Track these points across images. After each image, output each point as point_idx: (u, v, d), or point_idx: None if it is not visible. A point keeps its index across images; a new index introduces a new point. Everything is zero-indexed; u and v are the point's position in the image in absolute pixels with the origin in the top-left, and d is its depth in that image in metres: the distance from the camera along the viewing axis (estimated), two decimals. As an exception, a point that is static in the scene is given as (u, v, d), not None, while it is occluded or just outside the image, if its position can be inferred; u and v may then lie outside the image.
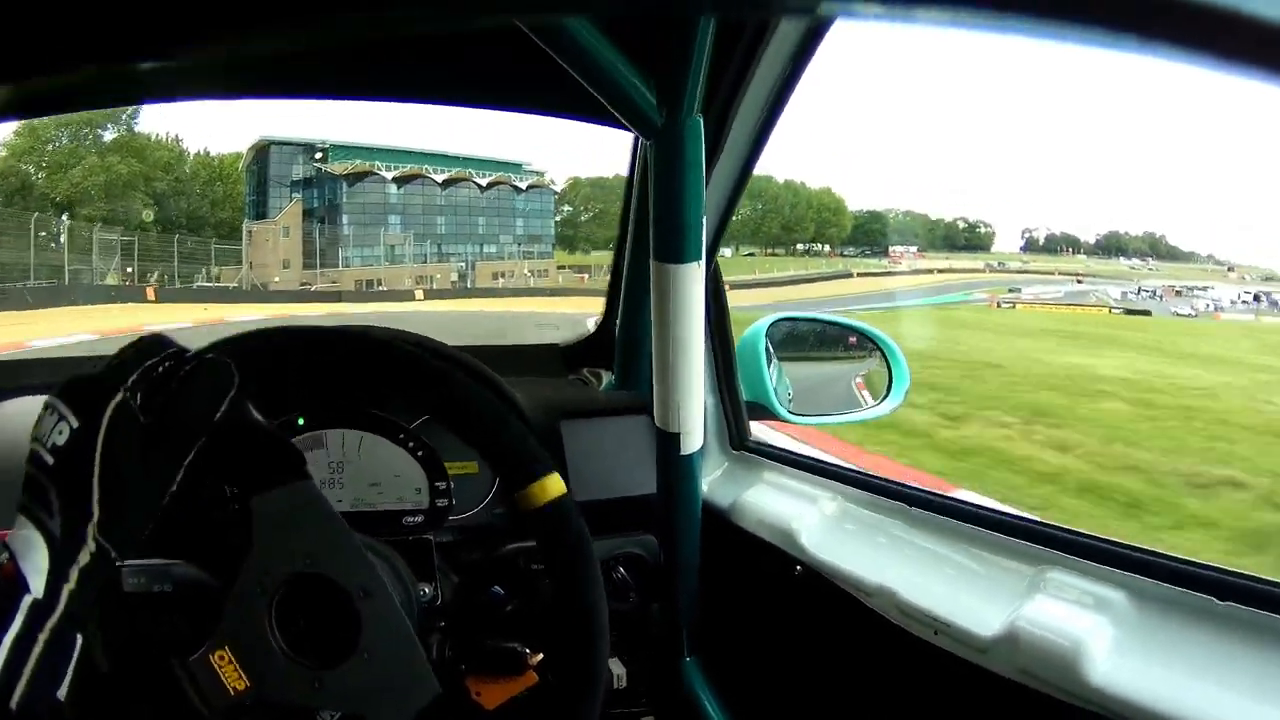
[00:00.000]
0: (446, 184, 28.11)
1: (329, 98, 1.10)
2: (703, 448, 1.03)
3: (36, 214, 20.22)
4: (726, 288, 1.17)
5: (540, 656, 0.81)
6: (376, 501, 0.96)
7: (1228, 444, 7.81)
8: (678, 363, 0.95)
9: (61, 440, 0.56)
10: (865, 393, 1.30)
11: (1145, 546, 0.69)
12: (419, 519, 0.95)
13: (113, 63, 0.32)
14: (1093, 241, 60.19)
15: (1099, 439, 7.86)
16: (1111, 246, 58.95)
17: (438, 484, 0.96)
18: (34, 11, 0.29)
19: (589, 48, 0.78)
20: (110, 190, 23.01)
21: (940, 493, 0.92)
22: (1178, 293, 38.80)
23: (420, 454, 0.95)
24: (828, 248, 46.45)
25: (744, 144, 1.02)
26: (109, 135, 23.91)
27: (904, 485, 0.95)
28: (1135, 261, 55.16)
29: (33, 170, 23.04)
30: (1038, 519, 0.80)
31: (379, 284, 25.91)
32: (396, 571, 0.80)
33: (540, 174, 30.49)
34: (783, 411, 1.17)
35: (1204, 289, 39.31)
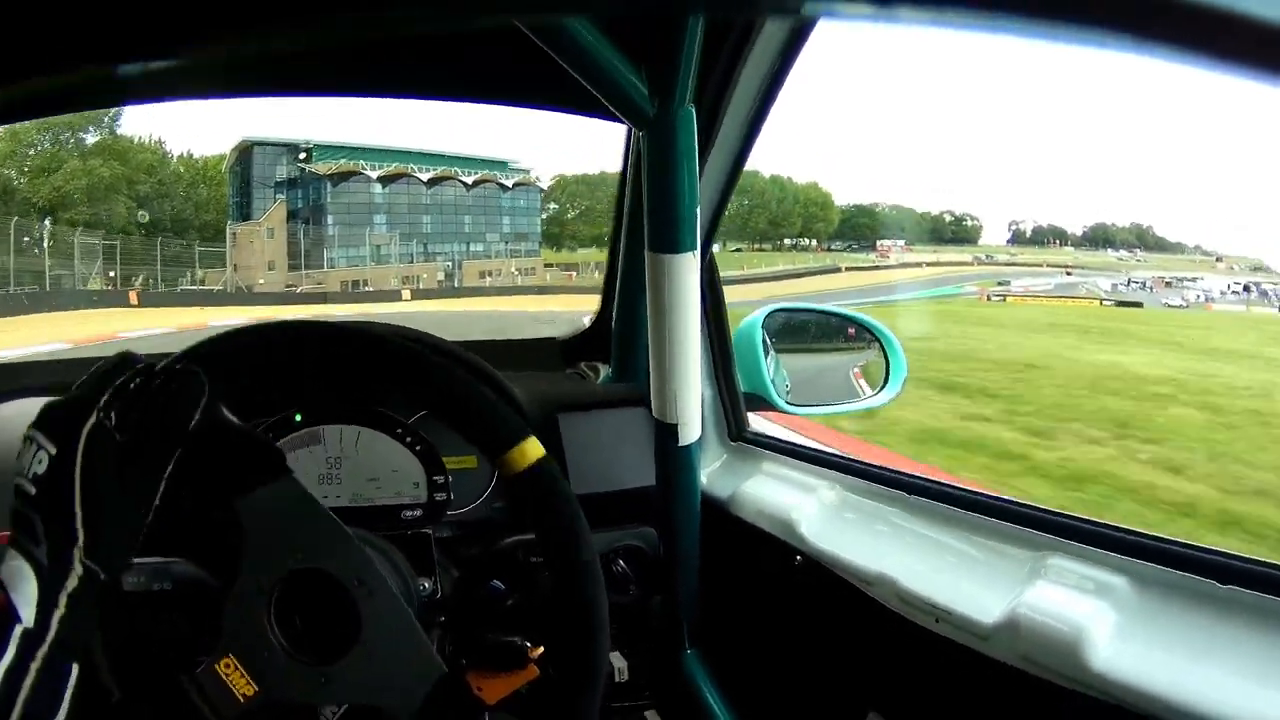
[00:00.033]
0: (432, 183, 28.03)
1: (325, 94, 1.10)
2: (701, 439, 1.03)
3: (17, 218, 19.98)
4: (716, 281, 1.16)
5: (541, 650, 0.81)
6: (375, 496, 0.96)
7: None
8: (674, 353, 0.95)
9: (41, 469, 0.57)
10: (863, 382, 1.30)
11: (1145, 531, 0.69)
12: (417, 513, 0.95)
13: (113, 63, 0.31)
14: (1079, 233, 60.75)
15: (1202, 455, 7.33)
16: (1099, 238, 59.48)
17: (436, 478, 0.95)
18: (35, 11, 0.29)
19: (581, 40, 0.78)
20: (92, 194, 22.82)
21: (938, 480, 0.91)
22: (1168, 284, 39.15)
23: (418, 449, 0.95)
24: (814, 243, 46.63)
25: (736, 135, 1.02)
26: (91, 138, 23.75)
27: (902, 473, 0.95)
28: (1123, 253, 55.73)
29: (14, 174, 22.80)
30: (1037, 504, 0.80)
31: (365, 284, 25.80)
32: (395, 566, 0.80)
33: (526, 171, 30.47)
34: (780, 402, 1.17)
35: (1193, 280, 39.70)
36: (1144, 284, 39.75)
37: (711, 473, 1.16)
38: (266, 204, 25.47)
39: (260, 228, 25.04)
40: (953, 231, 56.72)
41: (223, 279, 24.38)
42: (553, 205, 34.96)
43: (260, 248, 24.93)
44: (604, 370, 1.30)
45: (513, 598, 0.89)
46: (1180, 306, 31.94)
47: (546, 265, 31.43)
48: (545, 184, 32.67)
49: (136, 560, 0.71)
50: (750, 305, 1.24)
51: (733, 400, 1.18)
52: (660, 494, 1.05)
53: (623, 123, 1.00)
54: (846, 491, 0.98)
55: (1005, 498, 0.84)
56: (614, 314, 1.25)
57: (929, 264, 47.82)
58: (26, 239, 19.71)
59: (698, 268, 0.93)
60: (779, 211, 43.74)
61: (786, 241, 45.23)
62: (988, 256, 53.40)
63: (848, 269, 41.36)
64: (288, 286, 24.37)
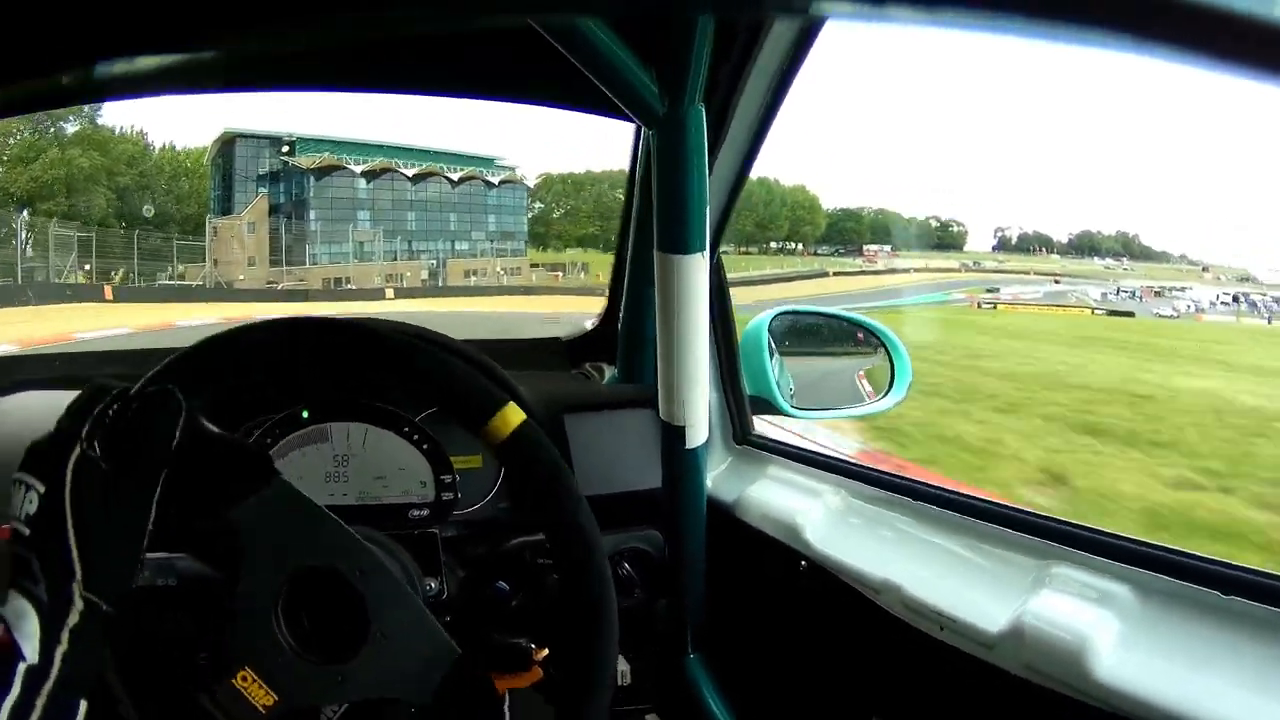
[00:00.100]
0: (417, 179, 27.81)
1: (330, 90, 1.10)
2: (706, 442, 1.02)
3: (-7, 209, 19.64)
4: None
5: (545, 652, 0.81)
6: (382, 495, 0.95)
7: None
8: (683, 355, 0.94)
9: (33, 509, 0.58)
10: (865, 383, 1.30)
11: (1149, 541, 0.70)
12: (425, 513, 0.95)
13: (113, 59, 0.31)
14: (1065, 240, 61.47)
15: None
16: (1084, 246, 60.17)
17: (443, 477, 0.95)
18: (35, 10, 0.28)
19: (591, 38, 0.78)
20: (71, 184, 22.41)
21: (944, 487, 0.92)
22: (1157, 293, 39.57)
23: (426, 447, 0.95)
24: (800, 246, 46.81)
25: (745, 135, 1.02)
26: (71, 128, 23.32)
27: (908, 479, 0.95)
28: (1110, 261, 56.36)
29: (-8, 163, 22.36)
30: (1042, 513, 0.80)
31: (347, 282, 25.55)
32: (402, 565, 0.80)
33: (512, 169, 30.34)
34: (785, 405, 1.17)
35: (1182, 289, 40.12)
36: (1134, 293, 40.12)
37: (717, 476, 1.16)
38: (248, 197, 25.16)
39: (241, 222, 24.73)
40: (939, 237, 57.22)
41: (202, 274, 24.05)
42: (538, 204, 34.85)
43: (241, 242, 24.61)
44: (609, 371, 1.29)
45: (518, 599, 0.89)
46: (1171, 316, 32.12)
47: (533, 265, 31.30)
48: (531, 182, 32.60)
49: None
50: (740, 310, 1.23)
51: (739, 403, 1.18)
52: (666, 497, 1.04)
53: (632, 121, 1.00)
54: (851, 497, 0.98)
55: (1009, 505, 0.85)
56: (621, 314, 1.24)
57: (916, 270, 48.19)
58: (4, 230, 19.35)
59: (707, 268, 0.92)
60: (766, 214, 43.73)
61: (773, 245, 45.36)
62: (975, 263, 53.88)
63: (835, 274, 41.57)
64: (269, 283, 24.08)
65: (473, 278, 28.31)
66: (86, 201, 22.61)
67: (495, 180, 29.55)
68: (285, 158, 25.33)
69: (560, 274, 30.93)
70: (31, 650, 0.54)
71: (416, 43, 0.97)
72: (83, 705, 0.56)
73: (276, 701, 0.63)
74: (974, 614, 0.74)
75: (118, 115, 26.45)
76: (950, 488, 0.91)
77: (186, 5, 0.29)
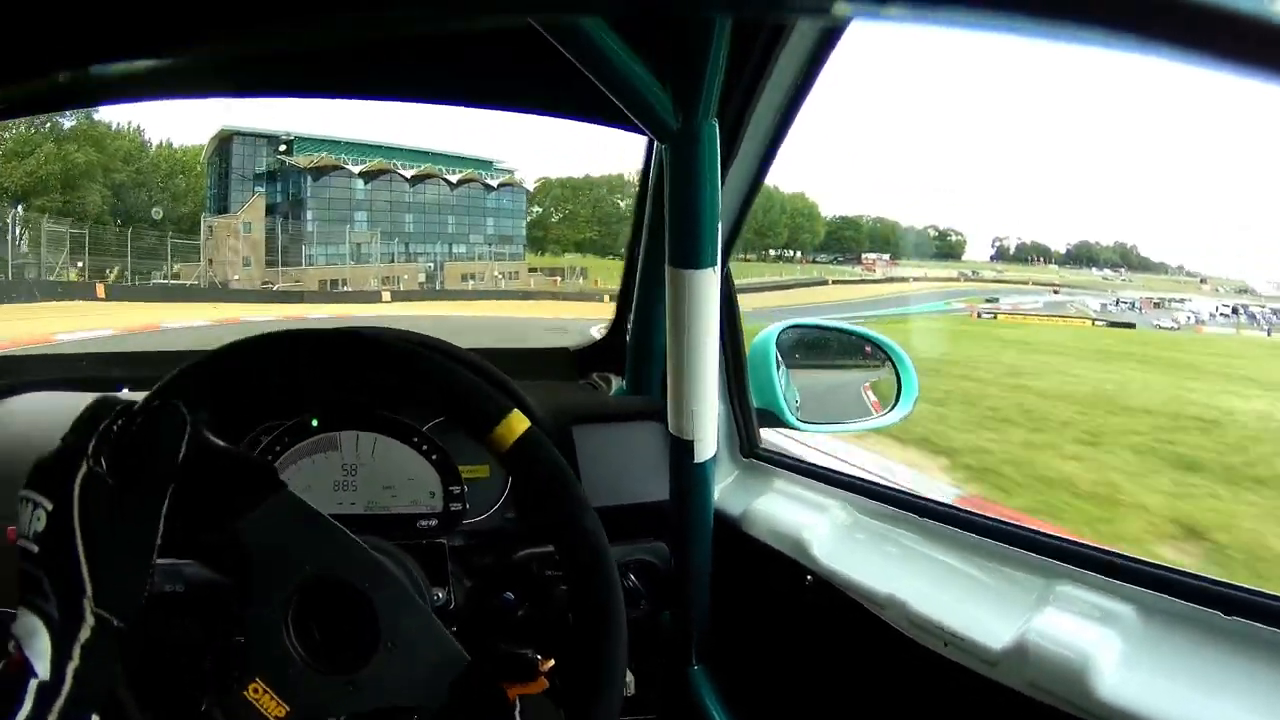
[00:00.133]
0: (415, 180, 27.73)
1: (339, 96, 1.09)
2: (714, 455, 1.02)
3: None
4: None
5: (551, 663, 0.81)
6: (391, 505, 0.95)
7: None
8: (692, 369, 0.94)
9: (41, 526, 0.58)
10: (871, 394, 1.30)
11: (1153, 560, 0.71)
12: (433, 523, 0.94)
13: (112, 62, 0.31)
14: (1063, 251, 61.64)
15: None
16: (1082, 256, 60.34)
17: (451, 487, 0.95)
18: (36, 10, 0.28)
19: (605, 51, 0.78)
20: (67, 180, 22.28)
21: (950, 504, 0.92)
22: (1156, 304, 39.60)
23: (434, 457, 0.94)
24: (799, 254, 46.86)
25: (758, 149, 1.02)
26: (68, 123, 23.18)
27: (913, 495, 0.96)
28: (1108, 272, 56.52)
29: (-13, 158, 22.20)
30: (1046, 531, 0.81)
31: (344, 284, 25.44)
32: (410, 575, 0.80)
33: (511, 172, 30.28)
34: (792, 419, 1.17)
35: (1181, 301, 40.18)
36: (1133, 304, 40.09)
37: (724, 489, 1.16)
38: (245, 196, 25.02)
39: (237, 221, 24.60)
40: (937, 246, 57.39)
41: (197, 273, 23.92)
42: (536, 208, 34.80)
43: (236, 242, 24.48)
44: (616, 382, 1.29)
45: (524, 609, 0.89)
46: (1172, 328, 31.99)
47: (531, 269, 31.20)
48: (530, 186, 32.54)
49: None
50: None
51: (746, 417, 1.18)
52: (674, 510, 1.04)
53: (645, 134, 1.00)
54: (858, 512, 0.99)
55: (1014, 523, 0.85)
56: (630, 326, 1.24)
57: (915, 279, 48.25)
58: (-1, 225, 19.23)
59: (718, 283, 0.93)
60: (765, 221, 43.72)
61: (771, 252, 45.40)
62: (973, 273, 54.03)
63: (834, 282, 41.59)
64: (264, 284, 23.94)
65: (470, 281, 28.22)
66: (82, 198, 22.47)
67: (494, 183, 29.49)
68: (283, 157, 25.23)
69: (559, 278, 30.80)
70: (43, 667, 0.55)
71: (430, 49, 0.97)
72: None
73: (288, 712, 0.63)
74: (978, 631, 0.74)
75: (114, 111, 26.42)
76: (954, 504, 0.92)
77: (186, 6, 0.29)
